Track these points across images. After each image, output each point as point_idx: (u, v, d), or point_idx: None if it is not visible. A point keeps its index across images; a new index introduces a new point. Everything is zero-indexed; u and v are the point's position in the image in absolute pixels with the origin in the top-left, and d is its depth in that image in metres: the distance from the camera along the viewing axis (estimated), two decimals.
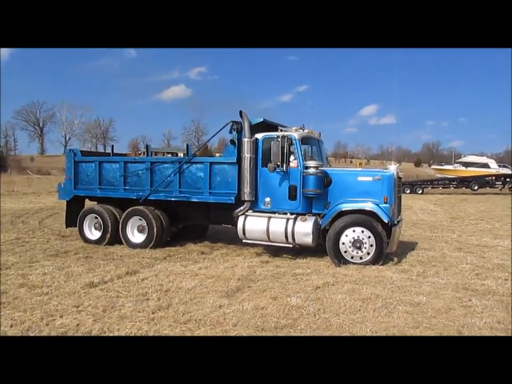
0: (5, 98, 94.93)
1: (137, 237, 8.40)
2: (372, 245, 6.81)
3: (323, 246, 7.26)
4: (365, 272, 6.31)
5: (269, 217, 7.42)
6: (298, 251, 7.75)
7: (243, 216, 7.61)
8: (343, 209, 7.02)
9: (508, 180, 30.04)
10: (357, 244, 6.87)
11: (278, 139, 7.22)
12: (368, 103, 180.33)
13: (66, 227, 9.41)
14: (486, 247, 8.74)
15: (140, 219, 8.32)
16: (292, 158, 7.34)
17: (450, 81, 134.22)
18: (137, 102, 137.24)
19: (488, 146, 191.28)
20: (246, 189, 7.40)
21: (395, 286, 5.60)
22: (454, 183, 31.19)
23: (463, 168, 34.72)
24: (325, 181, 7.24)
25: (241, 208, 7.57)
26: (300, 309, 4.69)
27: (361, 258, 6.86)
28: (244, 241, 7.74)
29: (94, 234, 8.75)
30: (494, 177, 30.83)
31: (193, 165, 7.97)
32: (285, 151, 7.21)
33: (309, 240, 7.11)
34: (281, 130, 7.62)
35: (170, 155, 44.74)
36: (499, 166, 35.36)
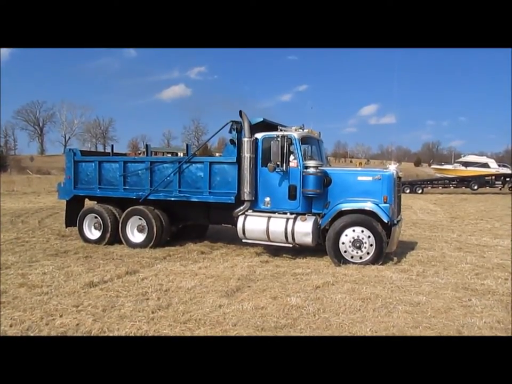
0: (5, 98, 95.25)
1: (137, 236, 8.41)
2: (371, 245, 6.81)
3: (323, 245, 7.26)
4: (364, 271, 6.31)
5: (269, 217, 7.42)
6: (298, 251, 7.74)
7: (243, 216, 7.61)
8: (342, 209, 7.02)
9: (507, 179, 30.05)
10: (357, 243, 6.87)
11: (278, 139, 7.22)
12: (368, 103, 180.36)
13: (66, 227, 9.42)
14: (485, 246, 8.73)
15: (140, 219, 8.33)
16: (291, 157, 7.34)
17: (450, 81, 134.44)
18: (137, 101, 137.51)
19: (488, 146, 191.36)
20: (246, 189, 7.39)
21: (395, 285, 5.60)
22: (453, 182, 31.18)
23: (463, 167, 34.69)
24: (324, 180, 7.24)
25: (241, 207, 7.57)
26: (299, 308, 4.69)
27: (361, 258, 6.87)
28: (243, 241, 7.74)
29: (94, 234, 8.76)
30: (493, 177, 30.82)
31: (193, 165, 7.96)
32: (285, 151, 7.21)
33: (308, 239, 7.11)
34: (281, 130, 7.61)
35: (170, 155, 44.82)
36: (499, 165, 35.31)
